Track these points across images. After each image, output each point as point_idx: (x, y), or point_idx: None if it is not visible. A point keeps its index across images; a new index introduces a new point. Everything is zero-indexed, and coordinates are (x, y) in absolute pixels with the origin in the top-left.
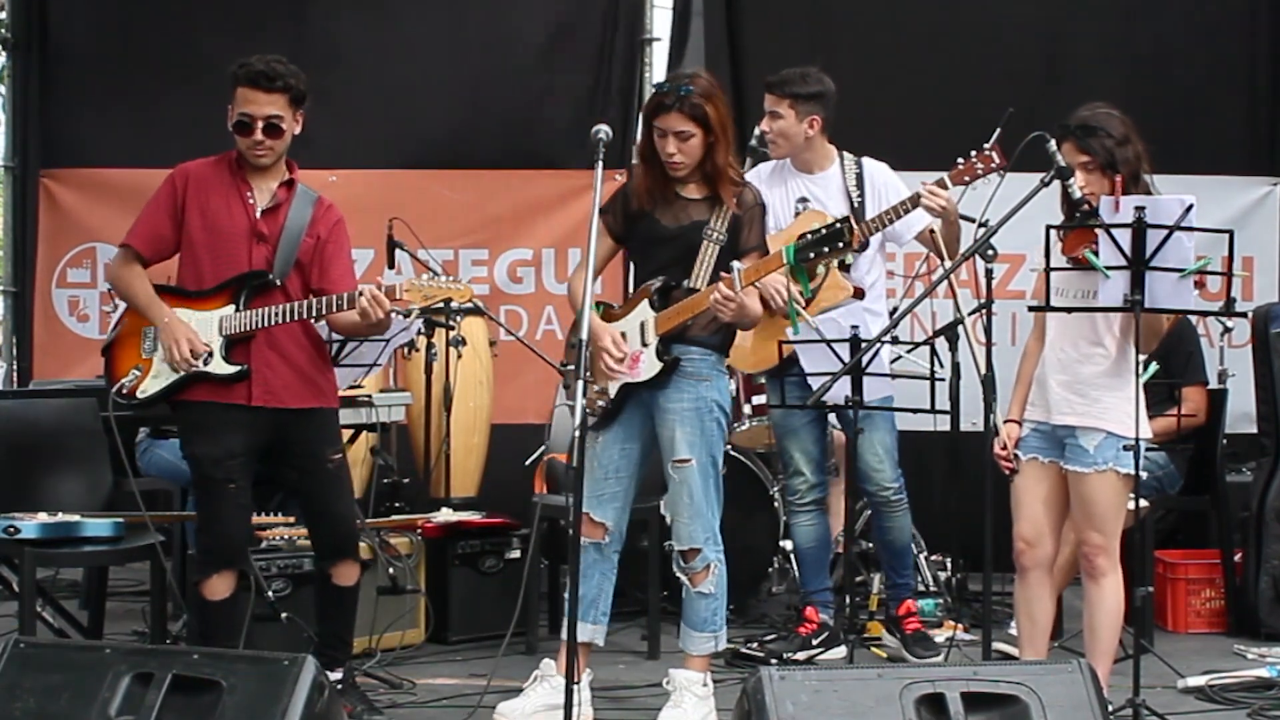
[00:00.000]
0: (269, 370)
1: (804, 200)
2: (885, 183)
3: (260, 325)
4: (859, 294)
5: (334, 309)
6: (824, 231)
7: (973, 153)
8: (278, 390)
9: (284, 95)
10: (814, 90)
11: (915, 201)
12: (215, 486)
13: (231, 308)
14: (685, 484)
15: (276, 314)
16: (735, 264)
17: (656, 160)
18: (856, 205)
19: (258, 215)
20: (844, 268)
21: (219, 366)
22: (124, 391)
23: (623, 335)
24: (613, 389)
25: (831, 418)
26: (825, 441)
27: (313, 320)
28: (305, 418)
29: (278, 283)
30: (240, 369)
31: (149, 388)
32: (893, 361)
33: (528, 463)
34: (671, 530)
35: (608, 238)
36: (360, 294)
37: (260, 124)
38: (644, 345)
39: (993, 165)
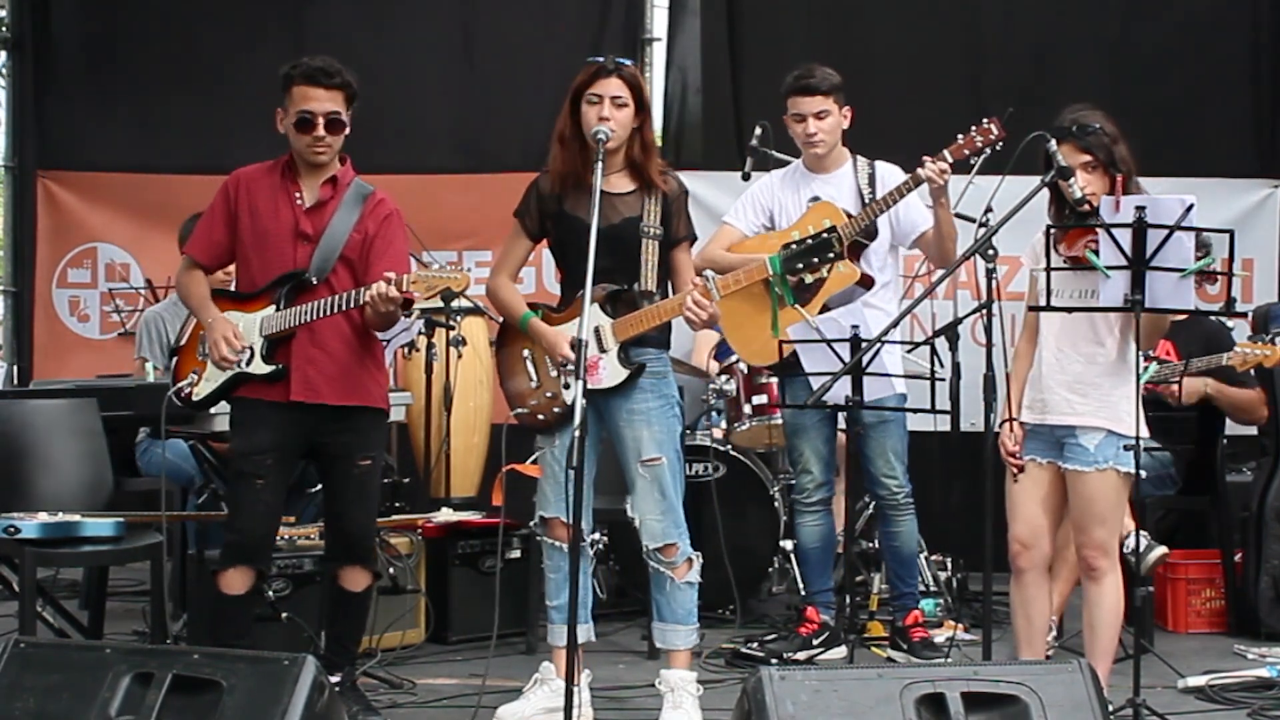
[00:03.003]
0: (310, 366)
1: (815, 198)
2: (896, 183)
3: (296, 323)
4: (867, 282)
5: (350, 305)
6: (811, 242)
7: (972, 127)
8: (318, 385)
9: (341, 92)
10: (839, 81)
11: (918, 180)
12: (242, 481)
13: (272, 308)
14: (657, 482)
15: (307, 311)
16: (709, 273)
17: (577, 143)
18: (868, 202)
19: (302, 214)
20: (855, 253)
21: (258, 366)
22: (182, 395)
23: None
24: (568, 395)
25: (841, 419)
26: (835, 441)
27: (341, 315)
28: (345, 416)
29: (314, 281)
30: (275, 369)
31: (202, 390)
32: (908, 351)
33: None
34: (641, 529)
35: (525, 239)
36: (365, 289)
37: (322, 120)
38: (602, 352)
39: (992, 137)
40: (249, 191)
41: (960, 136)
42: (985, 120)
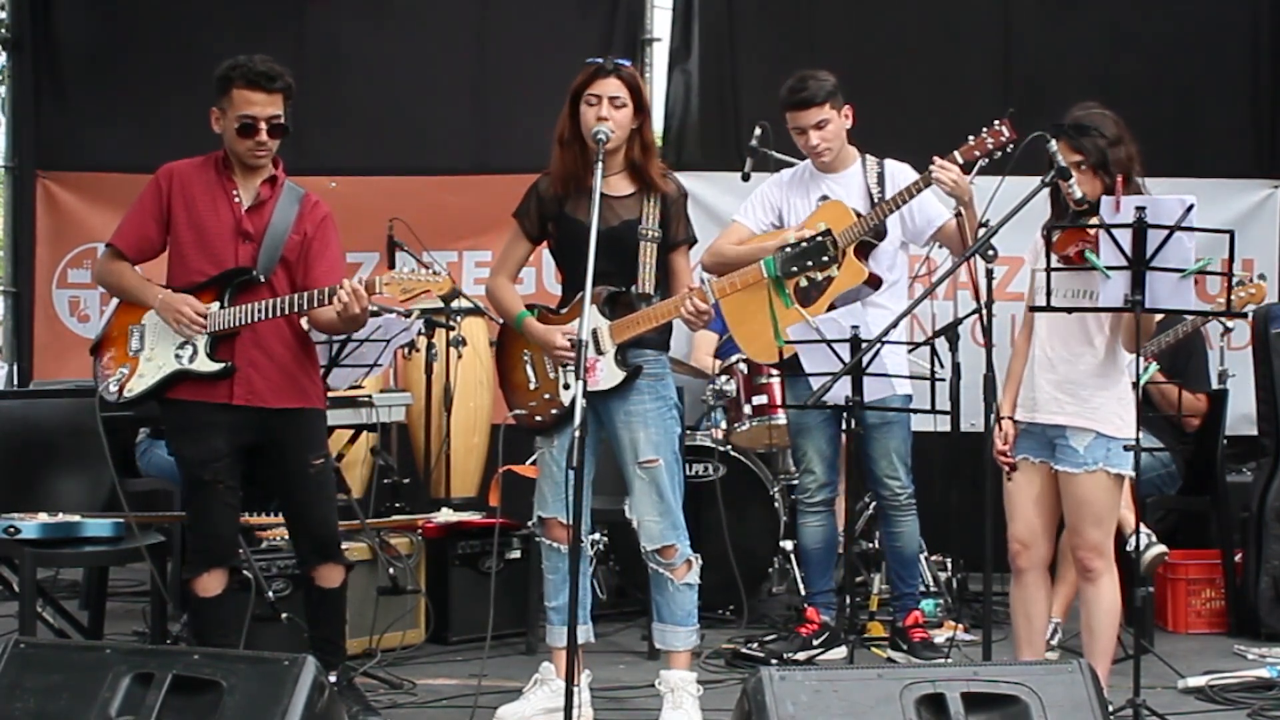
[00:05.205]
0: (252, 369)
1: (824, 198)
2: (906, 181)
3: (244, 322)
4: (875, 282)
5: (315, 304)
6: (805, 245)
7: (984, 129)
8: (260, 390)
9: (282, 95)
10: (833, 83)
11: (927, 180)
12: (203, 487)
13: (216, 305)
14: (654, 483)
15: (259, 310)
16: (706, 276)
17: (576, 144)
18: (877, 202)
19: (243, 213)
20: (864, 253)
21: (203, 364)
22: (111, 391)
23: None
24: (565, 397)
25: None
26: (839, 441)
27: (298, 315)
28: (288, 419)
29: (261, 279)
30: (225, 366)
31: (135, 387)
32: (909, 351)
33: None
34: (639, 531)
35: (524, 241)
36: (339, 288)
37: (265, 125)
38: (599, 354)
39: (1003, 139)
40: (183, 186)
41: (971, 138)
42: (996, 122)
